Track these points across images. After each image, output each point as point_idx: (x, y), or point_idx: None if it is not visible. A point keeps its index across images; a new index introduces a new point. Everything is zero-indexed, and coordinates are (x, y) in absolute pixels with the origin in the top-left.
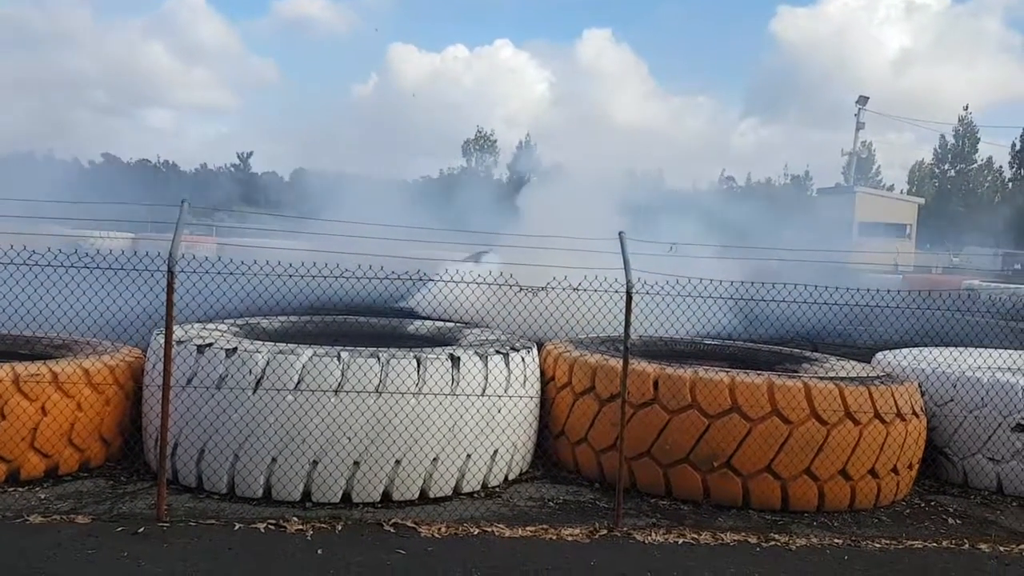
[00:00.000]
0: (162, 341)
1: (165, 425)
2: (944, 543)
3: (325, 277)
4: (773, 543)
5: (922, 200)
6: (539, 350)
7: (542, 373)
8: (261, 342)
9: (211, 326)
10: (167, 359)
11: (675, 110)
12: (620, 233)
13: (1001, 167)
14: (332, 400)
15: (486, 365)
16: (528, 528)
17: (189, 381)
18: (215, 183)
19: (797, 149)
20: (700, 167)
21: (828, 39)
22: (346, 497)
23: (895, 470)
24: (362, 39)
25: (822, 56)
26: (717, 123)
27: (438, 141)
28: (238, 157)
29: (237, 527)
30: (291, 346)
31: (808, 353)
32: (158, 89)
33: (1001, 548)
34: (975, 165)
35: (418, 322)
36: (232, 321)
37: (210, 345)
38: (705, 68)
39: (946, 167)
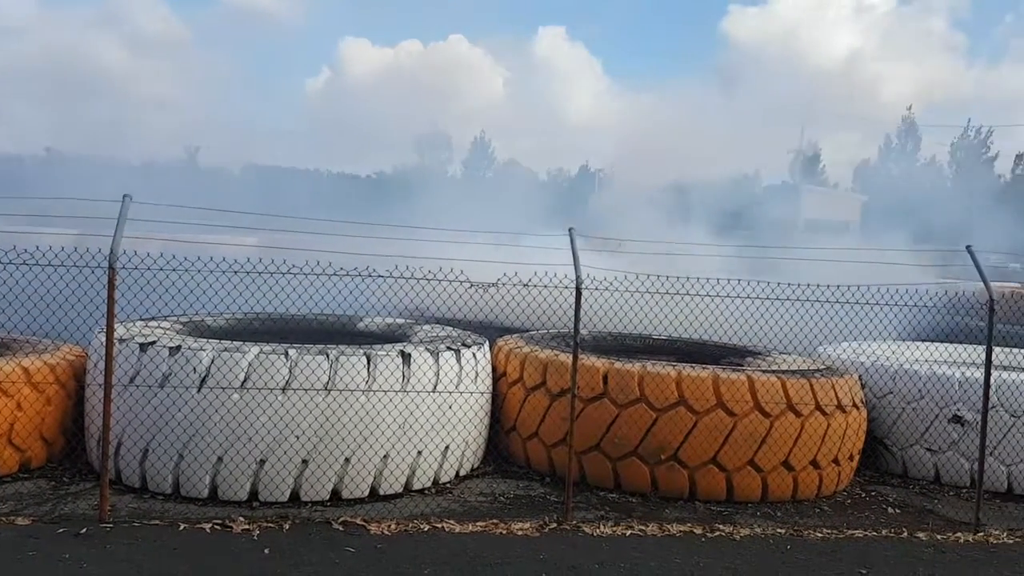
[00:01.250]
0: (104, 339)
1: (107, 425)
2: (884, 532)
3: (272, 273)
4: (718, 533)
5: (866, 197)
6: (491, 346)
7: (494, 369)
8: (205, 340)
9: (154, 324)
10: (108, 357)
11: (628, 107)
12: (570, 229)
13: (941, 164)
14: (279, 398)
15: (437, 361)
16: (479, 523)
17: (132, 380)
18: (161, 177)
19: (746, 146)
20: (652, 164)
21: (777, 38)
22: (294, 496)
23: (836, 461)
24: (314, 32)
25: (771, 55)
26: (670, 120)
27: (391, 136)
28: (186, 152)
29: (182, 527)
30: (236, 344)
31: (752, 347)
32: (102, 81)
33: (938, 536)
34: (918, 164)
35: (368, 319)
36: (175, 318)
37: (153, 343)
38: (658, 66)
39: (890, 165)
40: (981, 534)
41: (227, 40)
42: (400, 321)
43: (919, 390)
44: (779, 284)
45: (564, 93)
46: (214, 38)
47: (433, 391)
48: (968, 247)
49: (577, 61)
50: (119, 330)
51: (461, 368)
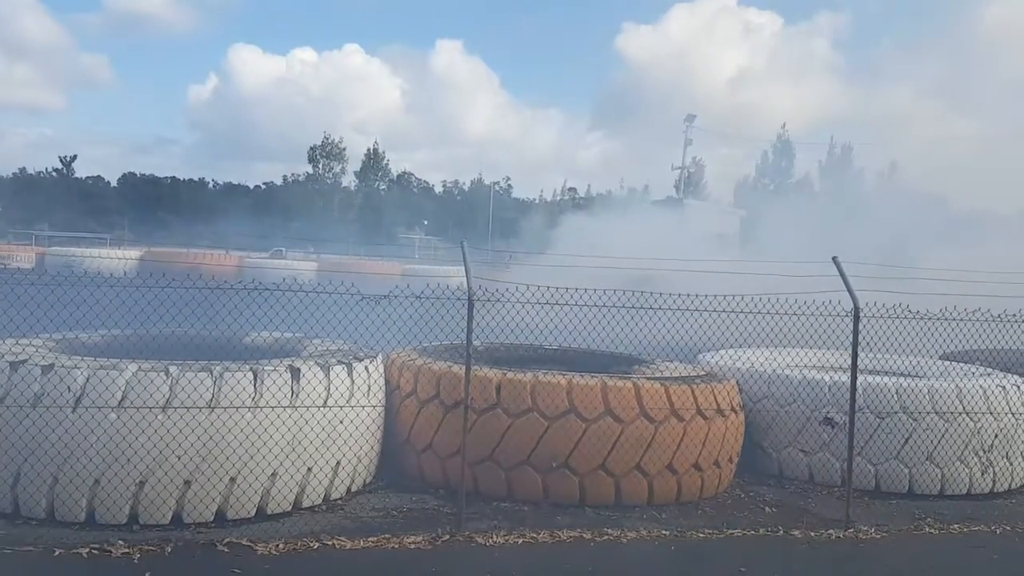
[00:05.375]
0: None
1: None
2: (761, 531)
3: (151, 287)
4: (606, 538)
5: (744, 212)
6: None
7: (387, 382)
8: (80, 357)
9: (25, 341)
10: None
11: (524, 122)
12: (462, 242)
13: (812, 180)
14: (160, 417)
15: (328, 376)
16: (370, 539)
17: (1, 400)
18: (35, 188)
19: (636, 162)
20: (545, 178)
21: (669, 56)
22: (176, 518)
23: (717, 463)
24: (202, 37)
25: (662, 72)
26: (563, 136)
27: (283, 146)
28: (61, 161)
29: (57, 552)
30: (113, 361)
31: (638, 355)
32: None
33: (812, 534)
34: (792, 180)
35: (255, 333)
36: (48, 336)
37: (24, 362)
38: (553, 82)
39: (767, 181)
40: (851, 530)
41: (109, 44)
42: (289, 335)
43: (792, 394)
44: (661, 294)
45: (460, 106)
46: (96, 43)
47: (324, 406)
48: (834, 258)
49: (474, 75)
50: None
51: (353, 382)
